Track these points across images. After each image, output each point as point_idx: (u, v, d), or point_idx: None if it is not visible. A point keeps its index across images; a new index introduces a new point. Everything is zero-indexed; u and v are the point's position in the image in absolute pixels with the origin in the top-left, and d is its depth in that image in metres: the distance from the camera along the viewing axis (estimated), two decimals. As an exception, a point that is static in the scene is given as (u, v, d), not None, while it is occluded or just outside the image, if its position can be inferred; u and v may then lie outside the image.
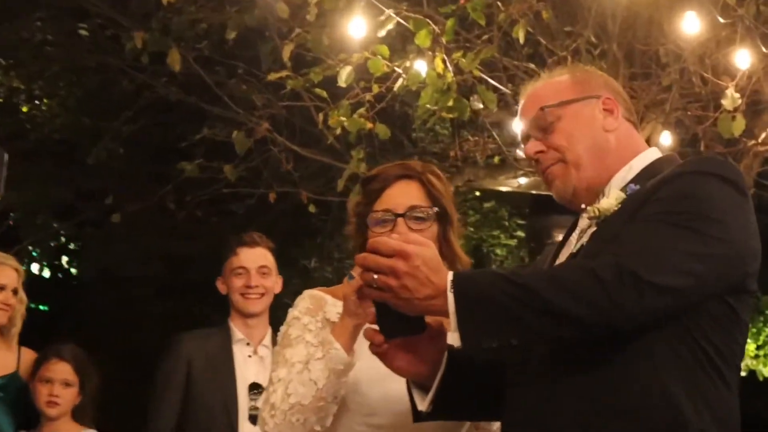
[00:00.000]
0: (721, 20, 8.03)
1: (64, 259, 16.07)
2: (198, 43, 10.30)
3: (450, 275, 3.04)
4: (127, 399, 9.62)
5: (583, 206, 3.43)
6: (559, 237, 9.89)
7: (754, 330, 15.11)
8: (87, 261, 15.27)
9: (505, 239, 14.18)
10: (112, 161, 12.49)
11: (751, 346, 14.97)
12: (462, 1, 8.26)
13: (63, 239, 15.55)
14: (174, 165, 10.70)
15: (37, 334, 6.57)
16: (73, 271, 16.14)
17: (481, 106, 8.86)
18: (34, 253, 14.86)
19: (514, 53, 9.26)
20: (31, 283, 13.75)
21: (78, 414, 6.30)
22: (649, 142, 9.38)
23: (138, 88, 11.42)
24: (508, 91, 9.31)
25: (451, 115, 8.71)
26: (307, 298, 3.81)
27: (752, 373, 15.08)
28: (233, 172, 9.94)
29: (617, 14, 8.60)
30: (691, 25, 7.99)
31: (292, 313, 3.79)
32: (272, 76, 8.69)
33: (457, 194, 12.42)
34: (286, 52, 8.61)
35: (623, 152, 3.42)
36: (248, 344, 6.47)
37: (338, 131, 8.66)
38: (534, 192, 9.99)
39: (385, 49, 8.32)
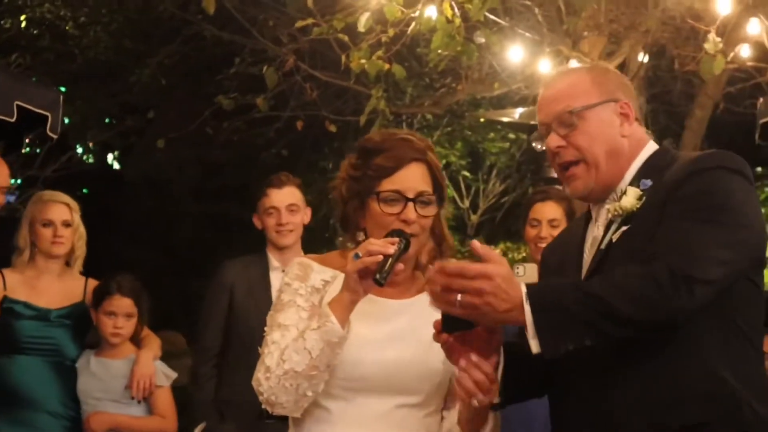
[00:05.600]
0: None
1: (110, 156, 16.01)
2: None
3: (523, 288, 3.02)
4: (162, 285, 9.57)
5: (596, 205, 3.42)
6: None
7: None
8: (130, 164, 15.25)
9: (499, 142, 14.17)
10: (154, 82, 12.38)
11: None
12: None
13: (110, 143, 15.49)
14: (211, 86, 10.55)
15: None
16: (116, 166, 16.05)
17: (483, 40, 8.79)
18: (79, 150, 14.74)
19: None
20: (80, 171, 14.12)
21: (135, 337, 6.30)
22: (626, 61, 9.51)
23: (177, 23, 11.22)
24: (506, 24, 9.24)
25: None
26: (296, 265, 3.64)
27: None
28: (264, 103, 9.77)
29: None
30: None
31: (284, 279, 3.64)
32: (299, 24, 8.60)
33: (458, 104, 12.61)
34: (310, -3, 8.49)
35: (633, 152, 3.38)
36: (283, 271, 6.42)
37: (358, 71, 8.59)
38: (532, 122, 9.89)
39: (399, -4, 8.20)
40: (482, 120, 13.09)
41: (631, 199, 3.25)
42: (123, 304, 6.16)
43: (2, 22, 12.48)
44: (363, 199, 3.59)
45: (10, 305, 6.08)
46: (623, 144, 3.36)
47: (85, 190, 14.99)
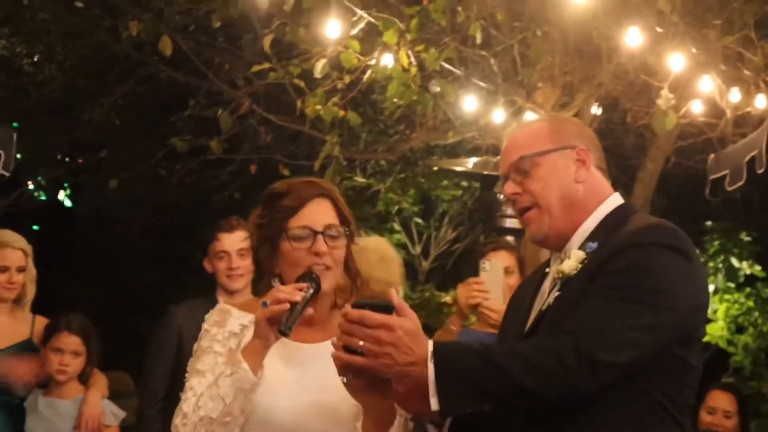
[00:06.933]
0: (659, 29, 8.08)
1: (61, 193, 15.96)
2: (187, 30, 10.10)
3: (430, 346, 3.03)
4: (109, 324, 9.49)
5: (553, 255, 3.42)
6: (508, 210, 9.85)
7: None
8: (82, 201, 15.19)
9: (452, 189, 14.22)
10: (107, 121, 12.35)
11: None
12: (425, 2, 8.19)
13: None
14: (165, 127, 10.56)
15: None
16: (68, 203, 15.99)
17: (438, 89, 8.84)
18: (31, 188, 14.70)
19: (467, 42, 9.12)
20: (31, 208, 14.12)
21: (83, 377, 6.30)
22: (579, 113, 9.61)
23: (132, 63, 11.22)
24: (461, 73, 9.30)
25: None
26: (216, 312, 3.69)
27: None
28: (218, 146, 9.76)
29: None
30: (632, 39, 8.01)
31: (204, 326, 3.67)
32: (255, 68, 8.62)
33: (412, 151, 12.65)
34: (267, 41, 8.51)
35: (590, 201, 3.37)
36: (233, 315, 6.42)
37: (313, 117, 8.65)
38: (485, 172, 9.99)
39: (356, 44, 8.29)
40: (435, 168, 13.15)
41: (573, 262, 3.25)
42: (70, 341, 6.19)
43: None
44: (273, 243, 3.61)
45: (-45, 347, 6.02)
46: (577, 189, 3.36)
47: (35, 227, 14.97)
